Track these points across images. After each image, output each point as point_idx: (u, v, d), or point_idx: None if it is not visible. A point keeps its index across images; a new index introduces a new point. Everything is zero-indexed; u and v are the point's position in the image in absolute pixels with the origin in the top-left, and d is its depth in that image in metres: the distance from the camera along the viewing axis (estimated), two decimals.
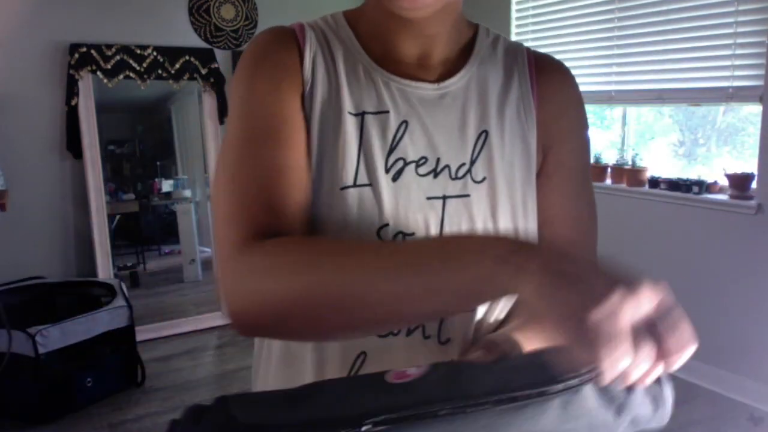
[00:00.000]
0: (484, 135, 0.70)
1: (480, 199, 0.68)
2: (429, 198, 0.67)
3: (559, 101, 0.74)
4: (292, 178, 0.62)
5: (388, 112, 0.68)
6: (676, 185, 3.04)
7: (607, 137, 3.78)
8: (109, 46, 3.51)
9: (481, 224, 0.68)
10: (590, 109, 3.92)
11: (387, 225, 0.65)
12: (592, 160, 3.43)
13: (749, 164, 2.94)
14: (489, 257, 0.45)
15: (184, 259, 4.19)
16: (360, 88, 0.68)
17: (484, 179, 0.69)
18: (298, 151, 0.64)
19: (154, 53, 3.64)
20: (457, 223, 0.67)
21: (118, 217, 3.91)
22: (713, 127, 3.46)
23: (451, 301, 0.49)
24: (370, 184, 0.65)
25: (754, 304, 2.74)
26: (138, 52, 3.59)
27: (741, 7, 2.75)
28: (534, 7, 3.80)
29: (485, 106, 0.71)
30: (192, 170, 4.20)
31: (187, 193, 4.19)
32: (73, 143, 3.48)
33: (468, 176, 0.68)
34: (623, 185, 3.29)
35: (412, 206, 0.66)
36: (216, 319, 3.91)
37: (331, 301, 0.52)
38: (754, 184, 2.76)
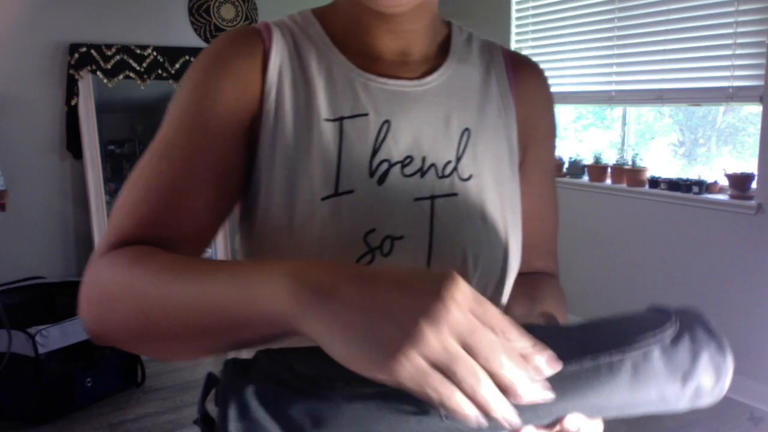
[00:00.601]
0: (467, 132, 0.68)
1: (468, 197, 0.66)
2: (416, 199, 0.64)
3: (537, 101, 0.74)
4: (188, 197, 0.59)
5: (367, 114, 0.65)
6: (676, 185, 3.04)
7: (607, 137, 3.78)
8: (109, 46, 3.51)
9: (470, 223, 0.66)
10: (590, 109, 3.92)
11: (373, 230, 0.62)
12: (592, 160, 3.46)
13: (749, 164, 2.94)
14: (289, 292, 0.42)
15: None
16: (336, 92, 0.65)
17: (470, 177, 0.67)
18: (215, 165, 0.60)
19: (154, 53, 3.64)
20: (447, 223, 0.65)
21: None
22: (713, 127, 3.46)
23: (234, 321, 0.46)
24: (352, 191, 0.62)
25: (754, 304, 2.74)
26: (138, 52, 3.59)
27: (741, 7, 2.75)
28: (534, 7, 3.80)
29: (466, 103, 0.69)
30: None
31: None
32: (73, 143, 3.48)
33: (455, 174, 0.66)
34: (623, 185, 3.29)
35: (399, 209, 0.64)
36: None
37: (140, 310, 0.50)
38: (754, 184, 2.76)
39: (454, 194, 0.66)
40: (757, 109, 2.80)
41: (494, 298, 0.69)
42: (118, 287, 0.52)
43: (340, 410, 0.41)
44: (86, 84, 3.48)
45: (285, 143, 0.63)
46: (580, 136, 4.01)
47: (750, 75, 2.76)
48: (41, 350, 2.62)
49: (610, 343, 0.45)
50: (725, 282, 2.85)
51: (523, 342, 0.40)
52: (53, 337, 2.67)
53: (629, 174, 3.28)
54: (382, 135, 0.65)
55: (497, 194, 0.68)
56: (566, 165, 3.67)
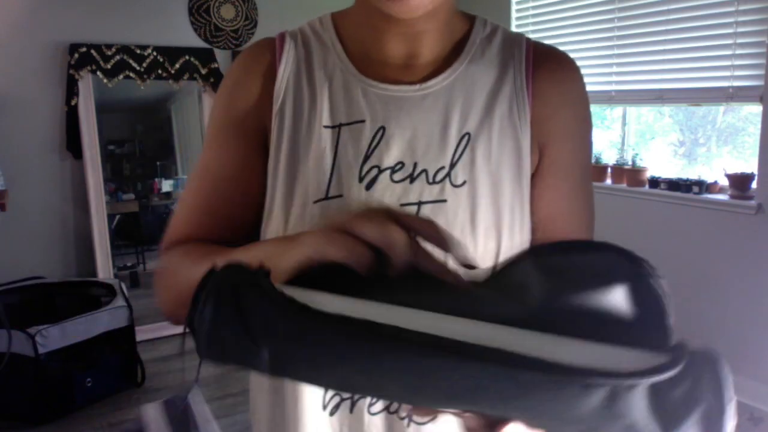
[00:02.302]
0: (466, 137, 0.67)
1: (458, 204, 0.65)
2: (402, 204, 0.65)
3: (556, 97, 0.70)
4: (233, 197, 0.70)
5: (363, 121, 0.66)
6: (676, 185, 3.04)
7: (607, 137, 3.78)
8: (109, 46, 3.51)
9: (459, 230, 0.65)
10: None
11: None
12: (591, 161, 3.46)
13: (749, 164, 2.94)
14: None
15: None
16: (338, 99, 0.67)
17: (464, 183, 0.66)
18: (241, 182, 0.69)
19: (154, 53, 3.64)
20: None
21: (118, 217, 3.91)
22: (713, 127, 3.46)
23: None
24: (341, 195, 0.65)
25: (754, 304, 2.74)
26: (138, 52, 3.59)
27: (741, 7, 2.75)
28: (534, 7, 3.80)
29: (471, 106, 0.68)
30: (192, 170, 4.20)
31: None
32: (73, 143, 3.48)
33: (446, 180, 0.66)
34: (623, 185, 3.29)
35: None
36: None
37: (184, 292, 0.56)
38: (754, 184, 2.76)
39: (443, 200, 0.65)
40: (757, 109, 2.80)
41: None
42: (172, 275, 0.65)
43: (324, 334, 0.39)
44: (86, 84, 3.48)
45: (288, 148, 0.67)
46: None
47: (750, 75, 2.76)
48: (41, 350, 2.62)
49: (591, 331, 0.38)
50: (725, 282, 2.85)
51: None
52: (53, 337, 2.67)
53: (629, 174, 3.28)
54: (375, 141, 0.66)
55: (493, 201, 0.66)
56: None
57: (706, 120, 3.46)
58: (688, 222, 2.99)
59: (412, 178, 0.66)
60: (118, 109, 3.90)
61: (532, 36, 3.87)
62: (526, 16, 3.86)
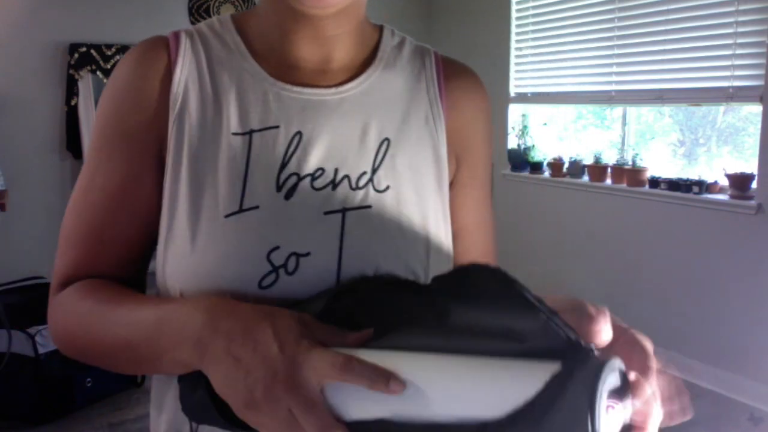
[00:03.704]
0: (386, 142, 0.64)
1: (383, 209, 0.62)
2: (327, 213, 0.60)
3: (470, 109, 0.71)
4: (108, 242, 0.64)
5: (278, 126, 0.62)
6: (676, 185, 3.04)
7: (607, 137, 3.78)
8: (108, 46, 3.52)
9: (387, 236, 0.62)
10: (590, 109, 3.93)
11: (278, 247, 0.58)
12: (592, 161, 3.46)
13: (749, 164, 2.94)
14: (188, 343, 0.51)
15: None
16: (247, 104, 0.62)
17: (387, 188, 0.63)
18: (131, 202, 0.63)
19: None
20: (359, 237, 0.61)
21: None
22: (713, 127, 3.46)
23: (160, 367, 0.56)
24: (257, 207, 0.59)
25: (754, 304, 2.74)
26: None
27: (741, 7, 2.75)
28: (534, 7, 3.80)
29: (388, 113, 0.66)
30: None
31: None
32: (72, 143, 3.48)
33: (369, 185, 0.62)
34: (623, 185, 3.29)
35: (307, 223, 0.60)
36: None
37: (94, 343, 0.60)
38: (754, 184, 2.77)
39: (368, 206, 0.62)
40: (757, 109, 2.80)
41: None
42: (73, 323, 0.62)
43: None
44: (86, 84, 3.48)
45: (190, 159, 0.61)
46: (579, 136, 4.01)
47: (750, 75, 2.76)
48: (41, 350, 2.62)
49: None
50: (725, 282, 2.85)
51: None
52: None
53: (629, 174, 3.28)
54: (292, 147, 0.62)
55: (418, 207, 0.64)
56: (566, 165, 3.68)
57: (706, 120, 3.46)
58: (688, 222, 2.99)
59: (334, 184, 0.62)
60: None
61: (532, 35, 3.89)
62: (526, 16, 3.86)
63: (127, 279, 0.64)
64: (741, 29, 2.77)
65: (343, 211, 0.61)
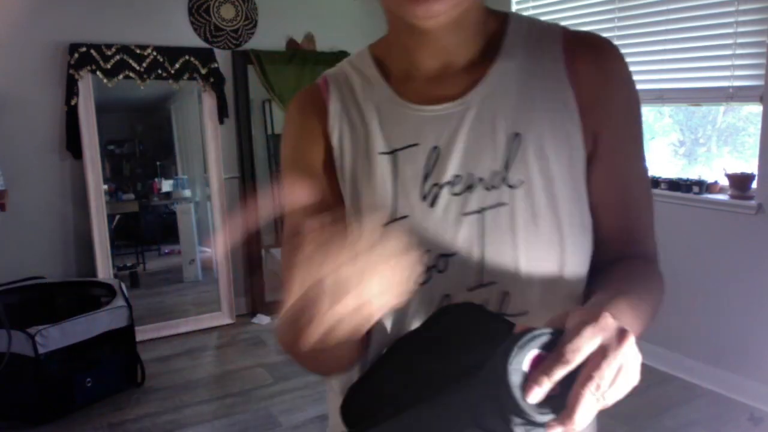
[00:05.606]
0: (517, 137, 0.68)
1: (518, 205, 0.67)
2: (465, 214, 0.68)
3: (600, 81, 0.69)
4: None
5: (417, 144, 0.71)
6: (676, 185, 3.04)
7: None
8: (108, 46, 3.51)
9: (523, 231, 0.67)
10: None
11: (428, 251, 0.68)
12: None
13: (750, 164, 2.94)
14: None
15: (183, 259, 4.18)
16: (389, 126, 0.72)
17: (520, 183, 0.68)
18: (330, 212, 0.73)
19: (154, 53, 3.64)
20: (498, 234, 0.67)
21: (117, 217, 3.91)
22: (713, 127, 3.46)
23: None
24: (406, 216, 0.69)
25: (754, 304, 2.74)
26: (138, 52, 3.59)
27: (741, 7, 2.75)
28: (534, 7, 3.80)
29: (514, 107, 0.69)
30: (192, 170, 4.20)
31: (187, 193, 4.19)
32: (72, 143, 3.48)
33: (503, 183, 0.68)
34: None
35: (449, 226, 0.69)
36: (215, 319, 3.91)
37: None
38: (754, 184, 2.76)
39: (503, 204, 0.68)
40: (757, 109, 2.80)
41: (557, 293, 0.69)
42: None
43: None
44: (86, 84, 3.48)
45: (349, 178, 0.73)
46: None
47: (750, 75, 2.76)
48: (41, 350, 2.62)
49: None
50: (725, 282, 2.85)
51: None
52: (53, 337, 2.67)
53: None
54: (432, 160, 0.70)
55: (549, 196, 0.68)
56: None
57: (706, 120, 3.46)
58: (688, 222, 2.99)
59: (470, 187, 0.69)
60: (118, 109, 3.90)
61: None
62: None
63: None
64: (741, 29, 2.77)
65: (481, 211, 0.69)
